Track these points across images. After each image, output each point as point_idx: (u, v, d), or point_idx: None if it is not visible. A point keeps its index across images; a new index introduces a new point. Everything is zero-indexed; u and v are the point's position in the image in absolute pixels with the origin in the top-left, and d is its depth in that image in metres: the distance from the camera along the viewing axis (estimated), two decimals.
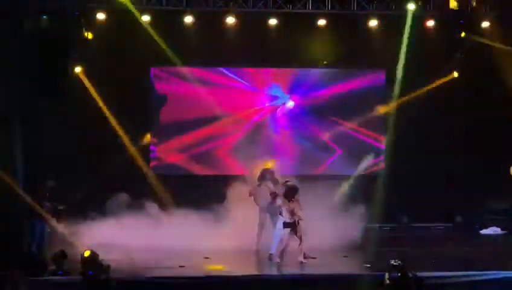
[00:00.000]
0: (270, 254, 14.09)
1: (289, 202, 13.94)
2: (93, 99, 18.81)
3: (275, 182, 15.41)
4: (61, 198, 14.99)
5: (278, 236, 14.10)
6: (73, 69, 18.61)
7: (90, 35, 18.27)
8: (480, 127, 19.55)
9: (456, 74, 19.78)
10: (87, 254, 11.01)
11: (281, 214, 14.01)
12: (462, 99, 19.69)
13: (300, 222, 13.89)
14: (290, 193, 14.01)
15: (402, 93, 19.34)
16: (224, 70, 20.17)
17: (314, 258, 14.08)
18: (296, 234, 13.93)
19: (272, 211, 15.12)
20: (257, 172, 15.83)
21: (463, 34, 19.16)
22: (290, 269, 13.60)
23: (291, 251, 14.11)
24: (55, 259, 12.09)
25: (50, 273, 11.89)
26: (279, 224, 14.11)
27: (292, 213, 13.88)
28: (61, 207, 14.46)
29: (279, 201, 14.46)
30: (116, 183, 17.96)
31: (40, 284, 11.41)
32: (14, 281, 11.05)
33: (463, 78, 19.78)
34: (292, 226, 13.91)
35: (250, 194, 15.80)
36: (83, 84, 18.78)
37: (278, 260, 13.85)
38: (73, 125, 18.67)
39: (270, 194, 15.16)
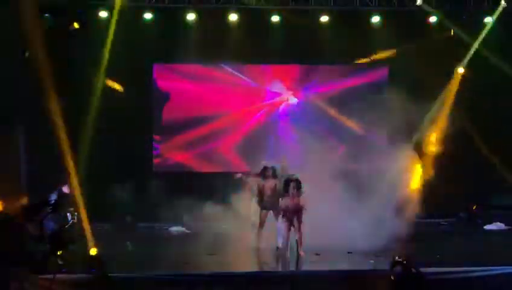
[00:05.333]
0: (277, 247, 14.13)
1: (292, 196, 13.90)
2: (96, 98, 18.82)
3: (277, 179, 15.34)
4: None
5: (280, 229, 14.18)
6: (76, 68, 18.62)
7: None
8: (483, 122, 19.55)
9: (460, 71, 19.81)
10: (93, 252, 11.04)
11: (281, 208, 13.99)
12: (465, 95, 19.67)
13: (300, 216, 13.87)
14: (292, 187, 13.95)
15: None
16: (226, 67, 20.17)
17: (318, 254, 14.09)
18: (294, 227, 13.92)
19: (275, 207, 15.11)
20: (259, 169, 15.70)
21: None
22: (293, 265, 13.62)
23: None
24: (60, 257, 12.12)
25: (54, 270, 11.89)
26: (280, 218, 14.20)
27: (294, 207, 13.84)
28: (75, 214, 14.36)
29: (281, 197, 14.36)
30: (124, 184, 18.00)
31: (44, 282, 11.41)
32: (19, 279, 11.07)
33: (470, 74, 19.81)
34: (290, 219, 13.90)
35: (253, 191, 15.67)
36: (86, 82, 18.78)
37: (283, 251, 13.90)
38: (75, 124, 18.68)
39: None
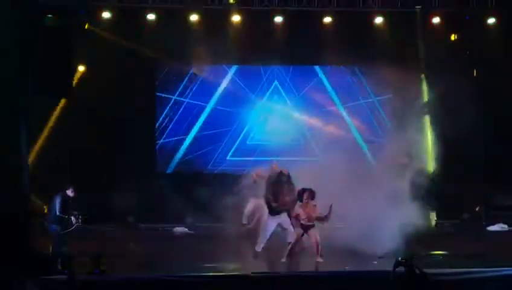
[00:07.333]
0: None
1: (306, 205, 13.87)
2: (99, 98, 18.82)
3: (290, 185, 15.09)
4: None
5: (290, 236, 14.13)
6: (78, 68, 18.64)
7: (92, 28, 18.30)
8: (485, 124, 19.55)
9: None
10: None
11: (296, 217, 13.92)
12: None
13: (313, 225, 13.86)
14: (306, 197, 13.95)
15: None
16: (229, 68, 20.18)
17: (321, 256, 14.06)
18: (309, 236, 13.89)
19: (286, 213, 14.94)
20: (273, 174, 15.43)
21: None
22: (299, 267, 13.61)
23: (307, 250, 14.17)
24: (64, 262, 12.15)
25: (57, 271, 11.91)
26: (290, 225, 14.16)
27: (308, 216, 13.82)
28: (86, 215, 14.32)
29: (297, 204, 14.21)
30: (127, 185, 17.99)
31: (47, 283, 11.42)
32: (21, 280, 11.08)
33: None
34: (305, 228, 13.87)
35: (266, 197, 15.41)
36: (89, 83, 18.79)
37: (286, 259, 13.84)
38: (78, 124, 18.72)
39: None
